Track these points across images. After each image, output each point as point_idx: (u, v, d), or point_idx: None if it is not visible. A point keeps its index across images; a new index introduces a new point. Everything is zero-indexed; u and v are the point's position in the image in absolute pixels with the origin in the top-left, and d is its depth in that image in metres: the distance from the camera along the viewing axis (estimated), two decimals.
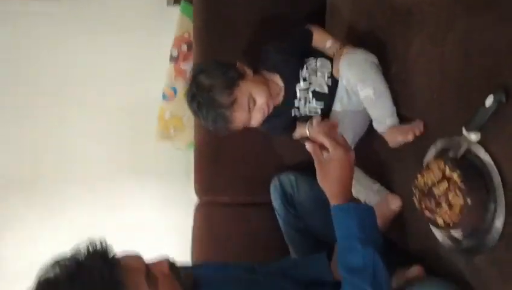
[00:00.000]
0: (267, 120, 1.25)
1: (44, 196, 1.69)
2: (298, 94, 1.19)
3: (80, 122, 1.69)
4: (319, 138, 0.90)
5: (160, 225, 1.71)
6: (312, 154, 0.90)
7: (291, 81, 1.19)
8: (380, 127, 1.06)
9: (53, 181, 1.70)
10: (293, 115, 1.24)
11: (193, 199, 1.56)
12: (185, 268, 0.93)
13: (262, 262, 1.20)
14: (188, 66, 1.59)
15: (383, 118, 1.04)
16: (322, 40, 1.21)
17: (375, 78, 1.04)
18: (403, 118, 1.03)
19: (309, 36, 1.21)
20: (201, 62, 1.21)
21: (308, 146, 0.89)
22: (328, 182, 0.88)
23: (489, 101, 0.72)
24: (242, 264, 1.18)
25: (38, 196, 1.69)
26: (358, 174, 1.16)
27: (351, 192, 0.90)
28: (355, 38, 1.20)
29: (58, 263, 0.76)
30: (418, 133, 0.96)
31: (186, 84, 1.22)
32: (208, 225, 1.53)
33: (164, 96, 1.62)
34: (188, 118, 1.62)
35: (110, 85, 1.70)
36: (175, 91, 1.59)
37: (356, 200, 1.08)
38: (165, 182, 1.72)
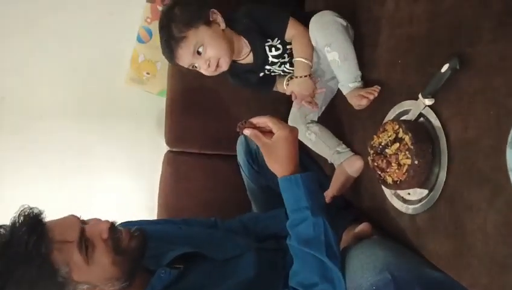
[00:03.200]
0: (237, 75, 1.25)
1: (9, 133, 1.64)
2: (270, 59, 1.18)
3: (48, 53, 1.63)
4: (261, 121, 0.89)
5: (128, 169, 1.72)
6: (254, 139, 0.88)
7: (260, 47, 1.16)
8: (344, 89, 1.09)
9: (18, 118, 1.64)
10: (261, 75, 1.24)
11: (162, 146, 1.56)
12: (137, 224, 0.93)
13: (226, 218, 1.23)
14: None
15: (347, 81, 1.07)
16: (297, 45, 1.13)
17: (342, 42, 1.04)
18: (368, 80, 1.05)
19: (283, 27, 1.13)
20: None
21: (248, 132, 0.87)
22: (278, 162, 0.88)
23: (445, 67, 0.74)
24: (204, 221, 1.20)
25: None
26: (324, 134, 1.19)
27: (298, 164, 0.90)
28: None
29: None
30: (371, 98, 1.00)
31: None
32: (176, 175, 1.55)
33: (139, 38, 1.57)
34: (162, 64, 1.59)
35: (83, 19, 1.62)
36: (150, 33, 1.54)
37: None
38: (133, 127, 1.70)
